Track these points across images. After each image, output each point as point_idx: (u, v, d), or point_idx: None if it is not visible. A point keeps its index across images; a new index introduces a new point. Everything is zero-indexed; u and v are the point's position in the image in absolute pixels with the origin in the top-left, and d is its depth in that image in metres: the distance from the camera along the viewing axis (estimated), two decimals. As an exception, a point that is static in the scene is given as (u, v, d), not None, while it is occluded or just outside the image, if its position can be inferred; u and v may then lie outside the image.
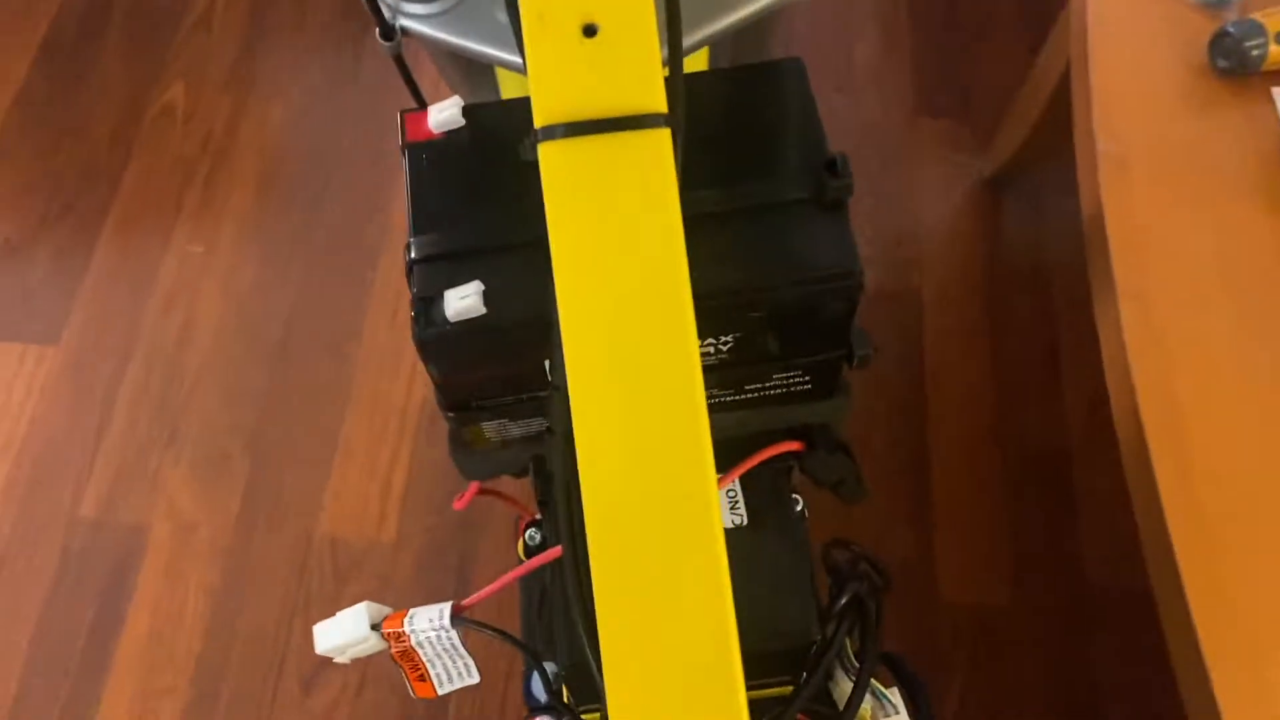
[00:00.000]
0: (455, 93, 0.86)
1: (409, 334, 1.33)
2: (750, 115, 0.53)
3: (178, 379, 1.26)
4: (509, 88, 0.73)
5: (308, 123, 1.44)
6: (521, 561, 0.70)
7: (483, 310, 0.48)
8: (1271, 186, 0.77)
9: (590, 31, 0.44)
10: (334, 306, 1.31)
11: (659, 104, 0.44)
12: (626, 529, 0.43)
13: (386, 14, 0.64)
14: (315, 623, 1.15)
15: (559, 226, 0.43)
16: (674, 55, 0.45)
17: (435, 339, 0.48)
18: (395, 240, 1.35)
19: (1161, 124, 0.81)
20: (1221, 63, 0.81)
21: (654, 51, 0.44)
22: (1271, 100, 0.80)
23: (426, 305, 0.48)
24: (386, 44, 0.65)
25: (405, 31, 0.66)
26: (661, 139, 0.43)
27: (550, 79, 0.44)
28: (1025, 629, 1.17)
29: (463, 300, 0.48)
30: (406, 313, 1.30)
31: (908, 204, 1.42)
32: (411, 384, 1.25)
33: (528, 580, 0.71)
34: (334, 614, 1.16)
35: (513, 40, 0.58)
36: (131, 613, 1.15)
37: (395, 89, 1.48)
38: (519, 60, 0.57)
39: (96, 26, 1.50)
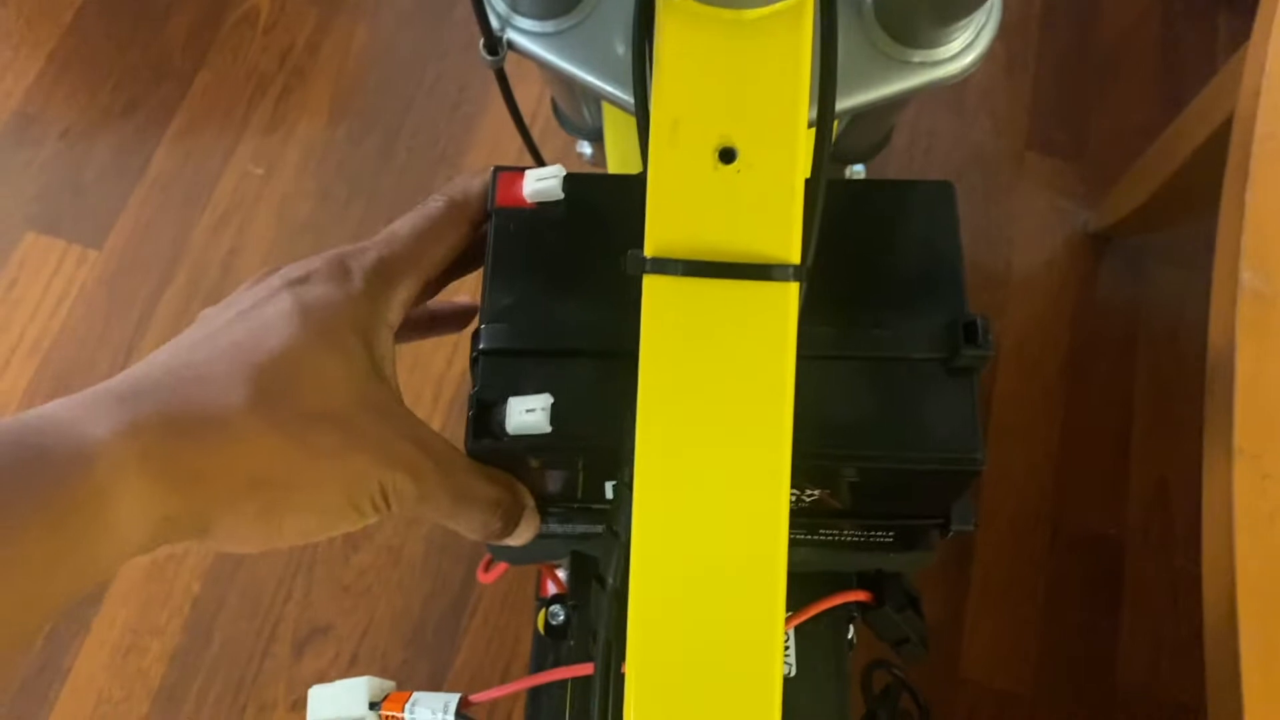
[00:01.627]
0: (555, 100, 0.80)
1: (462, 299, 1.27)
2: (885, 246, 0.46)
3: (217, 306, 1.22)
4: (613, 124, 0.66)
5: (392, 53, 1.37)
6: (538, 631, 0.65)
7: (548, 429, 0.42)
8: None
9: (727, 156, 0.37)
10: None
11: (792, 253, 0.37)
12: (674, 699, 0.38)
13: (494, 24, 0.57)
14: (317, 587, 1.12)
15: (653, 368, 0.38)
16: (813, 198, 0.38)
17: (488, 450, 0.42)
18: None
19: (1318, 263, 0.73)
20: (1399, 206, 0.72)
21: (796, 191, 0.37)
22: None
23: (485, 410, 0.42)
24: (490, 58, 0.58)
25: (513, 46, 0.59)
26: (788, 293, 0.37)
27: (672, 204, 0.37)
28: (1042, 721, 1.12)
29: (528, 414, 0.42)
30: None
31: (1001, 245, 1.34)
32: (454, 355, 1.20)
33: (538, 649, 0.66)
34: (339, 581, 1.12)
35: (627, 75, 0.52)
36: (135, 542, 1.12)
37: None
38: (630, 99, 0.51)
39: (189, -86, 1.44)
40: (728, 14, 0.37)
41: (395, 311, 0.40)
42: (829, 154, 0.38)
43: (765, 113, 0.37)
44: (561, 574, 0.67)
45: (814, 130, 0.39)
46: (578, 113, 0.80)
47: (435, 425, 1.15)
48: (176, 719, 1.05)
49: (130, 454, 0.30)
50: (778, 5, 0.37)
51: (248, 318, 0.36)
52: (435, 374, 1.19)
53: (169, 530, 0.31)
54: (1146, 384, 1.28)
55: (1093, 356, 1.29)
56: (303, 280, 0.38)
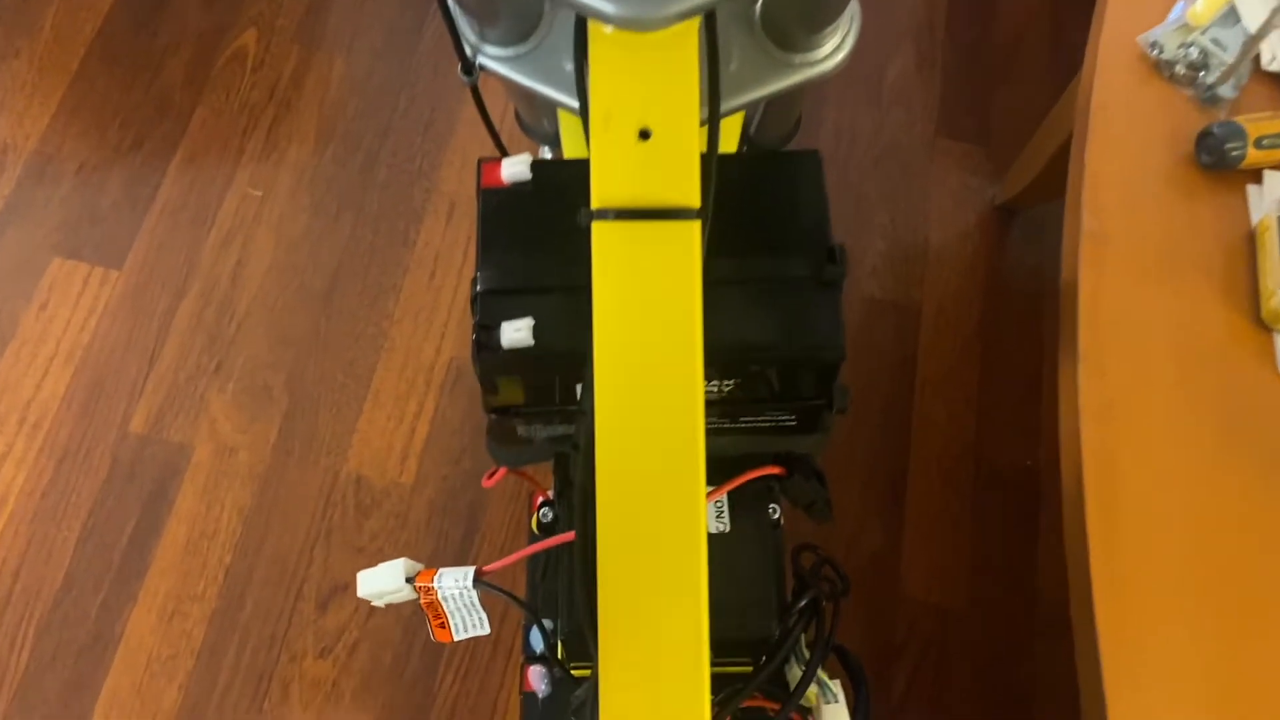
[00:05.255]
0: (519, 112, 0.96)
1: (444, 295, 1.44)
2: (770, 198, 0.63)
3: (228, 313, 1.37)
4: (567, 125, 0.82)
5: (369, 82, 1.53)
6: (534, 532, 0.81)
7: (531, 343, 0.58)
8: (1231, 277, 0.86)
9: (645, 135, 0.54)
10: (377, 262, 1.41)
11: (694, 200, 0.54)
12: (631, 531, 0.53)
13: (468, 51, 0.73)
14: (335, 551, 1.27)
15: (602, 290, 0.54)
16: (709, 158, 0.54)
17: (490, 360, 0.59)
18: (438, 205, 1.45)
19: (1143, 207, 0.90)
20: (1205, 158, 0.90)
21: (695, 156, 0.54)
22: (1245, 197, 0.90)
23: (486, 332, 0.59)
24: (466, 78, 0.74)
25: (483, 69, 0.75)
26: (693, 229, 0.53)
27: (608, 170, 0.54)
28: (975, 629, 1.29)
29: (516, 333, 0.58)
30: (443, 274, 1.41)
31: (920, 222, 1.51)
32: (442, 343, 1.35)
33: (536, 550, 0.82)
34: (354, 544, 1.28)
35: (572, 86, 0.68)
36: (170, 522, 1.27)
37: (452, 60, 1.56)
38: (575, 104, 0.67)
39: (179, -34, 1.60)
40: (637, 36, 0.53)
41: None
42: (719, 121, 0.54)
43: (669, 102, 0.54)
44: (550, 492, 0.83)
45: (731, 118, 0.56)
46: (537, 122, 0.96)
47: (429, 405, 1.32)
48: (219, 670, 1.20)
49: None
50: (672, 28, 0.54)
51: None
52: (427, 362, 1.35)
53: None
54: (1052, 336, 1.44)
55: (1005, 313, 1.46)
56: None
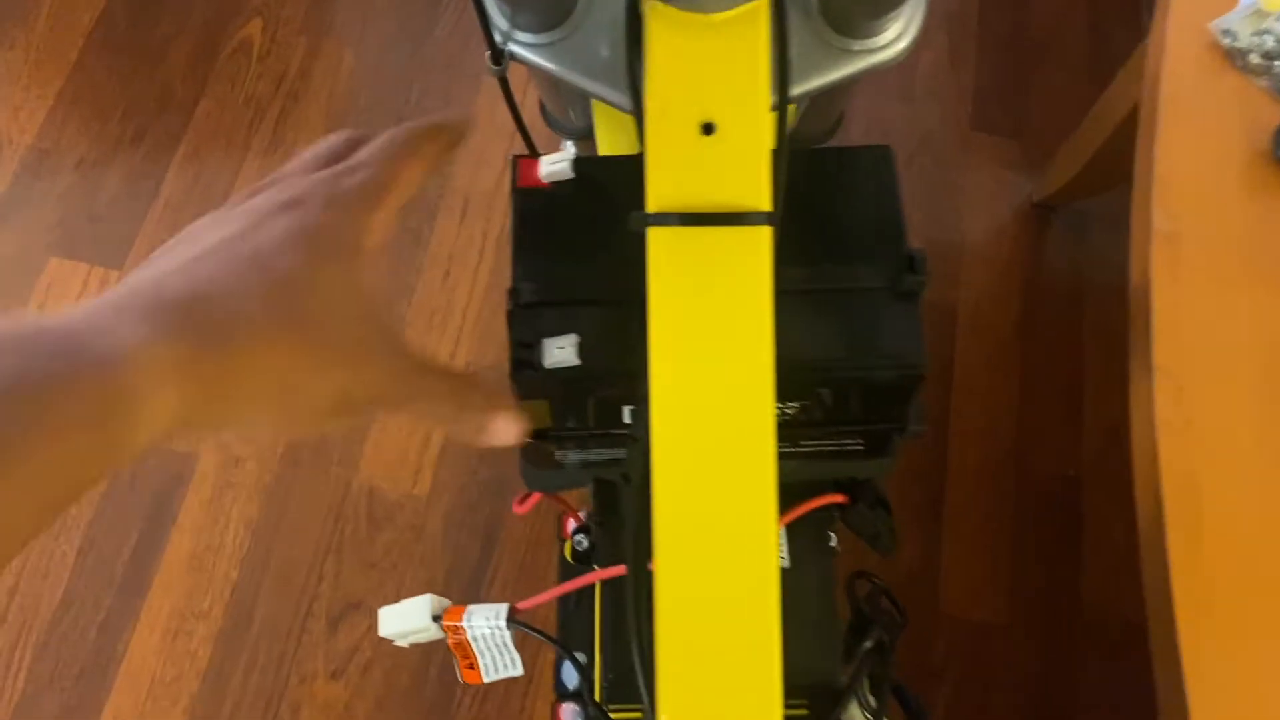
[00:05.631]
0: (544, 104, 0.90)
1: (459, 296, 1.37)
2: (838, 199, 0.57)
3: (234, 316, 1.31)
4: (603, 118, 0.76)
5: (379, 74, 1.47)
6: (565, 559, 0.75)
7: (577, 362, 0.52)
8: (1315, 281, 0.80)
9: (708, 130, 0.47)
10: (389, 261, 1.35)
11: (764, 203, 0.47)
12: (694, 572, 0.47)
13: (498, 38, 0.67)
14: (347, 566, 1.21)
15: (660, 303, 0.47)
16: (779, 154, 0.48)
17: (529, 381, 0.52)
18: (453, 202, 1.38)
19: (1218, 206, 0.83)
20: (1283, 153, 0.83)
21: (765, 153, 0.47)
22: (1326, 194, 0.83)
23: (525, 349, 0.52)
24: (494, 68, 0.68)
25: (514, 57, 0.68)
26: (763, 235, 0.47)
27: (666, 170, 0.47)
28: (1018, 647, 1.23)
29: (560, 351, 0.52)
30: (458, 273, 1.34)
31: (954, 218, 1.45)
32: (458, 345, 1.29)
33: (566, 575, 0.76)
34: (367, 559, 1.22)
35: (613, 76, 0.62)
36: (174, 536, 1.21)
37: (466, 50, 1.50)
38: (619, 99, 0.61)
39: (181, -46, 1.53)
40: (700, 18, 0.47)
41: (379, 231, 0.43)
42: (786, 114, 0.48)
43: (736, 93, 0.47)
44: (582, 515, 0.77)
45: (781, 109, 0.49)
46: (564, 115, 0.90)
47: (445, 412, 1.24)
48: (225, 693, 1.15)
49: (164, 363, 0.32)
50: (739, 9, 0.47)
51: (250, 239, 0.38)
52: (441, 366, 1.29)
53: (186, 429, 0.33)
54: (1094, 337, 1.39)
55: (1044, 315, 1.40)
56: (298, 204, 0.40)
